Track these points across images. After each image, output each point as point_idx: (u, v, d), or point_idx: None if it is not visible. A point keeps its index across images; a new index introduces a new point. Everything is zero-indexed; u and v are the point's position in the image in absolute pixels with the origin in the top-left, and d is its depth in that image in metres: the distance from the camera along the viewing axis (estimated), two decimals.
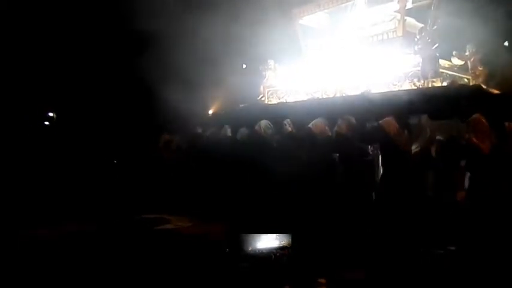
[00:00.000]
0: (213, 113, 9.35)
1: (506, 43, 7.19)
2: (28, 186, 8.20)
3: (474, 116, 4.43)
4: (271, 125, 6.99)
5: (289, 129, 6.46)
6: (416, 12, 7.59)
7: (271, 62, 8.90)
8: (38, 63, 10.45)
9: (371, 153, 5.74)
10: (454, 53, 6.99)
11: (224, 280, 4.20)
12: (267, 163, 6.70)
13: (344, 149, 5.73)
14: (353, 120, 5.62)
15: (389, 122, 5.15)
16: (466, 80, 6.99)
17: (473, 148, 4.28)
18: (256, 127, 7.01)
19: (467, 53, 6.97)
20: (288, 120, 6.62)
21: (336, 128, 5.71)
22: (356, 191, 5.65)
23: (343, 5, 8.30)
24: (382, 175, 5.29)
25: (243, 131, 7.53)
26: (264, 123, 7.03)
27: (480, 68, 6.83)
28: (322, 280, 4.10)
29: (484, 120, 4.34)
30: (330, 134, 5.88)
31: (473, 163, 4.35)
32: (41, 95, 10.79)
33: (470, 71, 6.93)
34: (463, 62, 7.06)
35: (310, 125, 6.01)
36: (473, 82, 6.84)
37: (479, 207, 4.23)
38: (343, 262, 4.54)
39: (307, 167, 6.06)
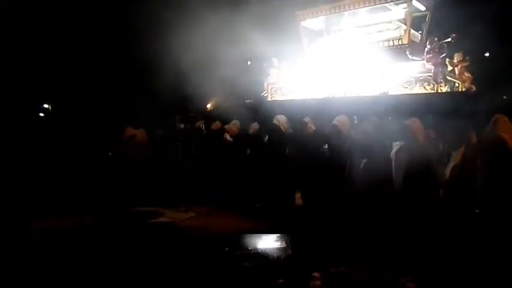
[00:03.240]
0: (216, 108, 9.60)
1: (487, 54, 8.28)
2: (22, 179, 7.97)
3: (498, 115, 5.04)
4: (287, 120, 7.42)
5: (312, 126, 6.92)
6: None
7: (275, 60, 9.37)
8: (31, 57, 10.09)
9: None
10: (446, 60, 7.92)
11: (219, 276, 4.16)
12: (284, 157, 7.20)
13: (368, 145, 6.32)
14: (377, 119, 6.25)
15: (415, 123, 5.84)
16: (457, 84, 7.96)
17: (502, 143, 4.83)
18: (275, 121, 7.35)
19: (455, 61, 7.94)
20: (308, 118, 7.09)
21: (363, 126, 6.28)
22: (375, 184, 6.25)
23: (344, 11, 8.98)
24: (405, 171, 5.91)
25: (255, 125, 7.88)
26: (282, 118, 7.39)
27: (466, 74, 7.84)
28: (316, 274, 4.12)
29: (507, 119, 4.99)
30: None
31: (500, 158, 4.90)
32: (36, 87, 10.41)
33: (457, 76, 7.88)
34: (452, 68, 8.01)
35: (334, 122, 6.54)
36: (462, 86, 7.81)
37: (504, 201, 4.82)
38: (342, 257, 4.56)
39: (328, 161, 6.62)
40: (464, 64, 7.82)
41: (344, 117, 6.56)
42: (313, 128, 6.88)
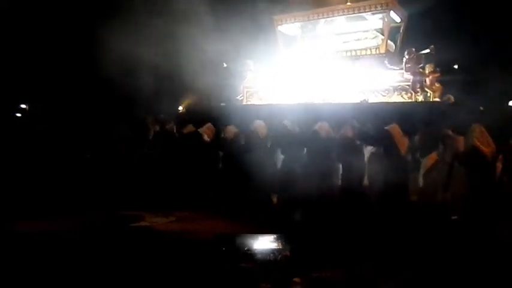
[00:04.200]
0: (190, 110, 9.37)
1: (456, 66, 8.56)
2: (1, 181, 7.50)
3: (475, 125, 5.18)
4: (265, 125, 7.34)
5: (290, 129, 6.84)
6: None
7: (250, 63, 9.26)
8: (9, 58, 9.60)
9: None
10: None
11: (201, 280, 4.07)
12: (261, 161, 7.10)
13: (346, 149, 6.34)
14: (356, 124, 6.28)
15: (395, 129, 5.92)
16: (429, 94, 8.19)
17: (476, 151, 4.99)
18: (252, 127, 7.25)
19: (426, 71, 8.17)
20: (286, 121, 7.03)
21: (341, 131, 6.29)
22: (352, 185, 6.27)
23: (320, 19, 9.05)
24: (384, 175, 5.95)
25: (232, 129, 7.73)
26: (259, 123, 7.31)
27: (437, 85, 8.08)
28: (297, 279, 4.06)
29: (483, 129, 5.18)
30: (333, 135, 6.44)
31: (475, 166, 5.07)
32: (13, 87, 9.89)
33: (428, 86, 8.11)
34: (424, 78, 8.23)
35: (316, 127, 6.52)
36: (433, 96, 8.05)
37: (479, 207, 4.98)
38: (323, 260, 4.51)
39: (308, 166, 6.59)
40: (435, 75, 8.07)
41: (324, 124, 6.59)
42: (293, 131, 6.84)
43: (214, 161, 7.72)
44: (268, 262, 4.56)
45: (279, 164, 7.05)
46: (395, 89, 7.47)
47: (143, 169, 8.43)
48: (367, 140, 6.16)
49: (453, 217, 5.64)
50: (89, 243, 5.25)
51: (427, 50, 7.47)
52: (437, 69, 8.06)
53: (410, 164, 6.04)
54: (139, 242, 5.46)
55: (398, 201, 5.78)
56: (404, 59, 7.49)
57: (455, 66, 8.83)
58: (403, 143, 5.95)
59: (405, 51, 7.89)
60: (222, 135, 7.72)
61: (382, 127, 5.97)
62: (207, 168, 7.58)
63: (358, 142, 6.26)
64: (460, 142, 5.58)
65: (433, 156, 6.14)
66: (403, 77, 7.58)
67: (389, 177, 5.95)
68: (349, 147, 6.29)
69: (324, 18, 8.98)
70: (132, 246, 5.24)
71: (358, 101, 7.03)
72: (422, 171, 6.14)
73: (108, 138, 8.61)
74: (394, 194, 5.89)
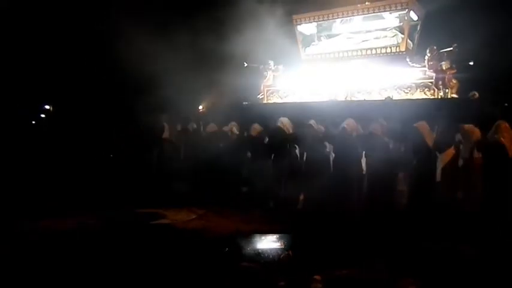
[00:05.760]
0: (214, 109, 9.56)
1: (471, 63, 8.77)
2: (24, 179, 7.70)
3: (500, 121, 5.38)
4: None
5: (317, 128, 7.05)
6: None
7: (271, 63, 9.47)
8: (32, 59, 9.79)
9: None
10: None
11: (221, 278, 4.07)
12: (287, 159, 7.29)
13: (372, 145, 6.54)
14: (384, 122, 6.50)
15: (423, 125, 6.15)
16: (446, 90, 8.41)
17: (501, 148, 5.16)
18: (279, 123, 7.44)
19: (444, 68, 8.37)
20: (313, 120, 7.22)
21: (370, 129, 6.50)
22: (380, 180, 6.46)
23: (340, 18, 9.27)
24: (414, 168, 6.17)
25: (257, 127, 7.92)
26: (285, 120, 7.49)
27: (454, 81, 8.31)
28: (317, 277, 4.01)
29: (508, 125, 5.33)
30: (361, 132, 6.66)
31: (498, 161, 5.22)
32: (37, 89, 10.09)
33: (446, 83, 8.33)
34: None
35: (343, 125, 6.72)
36: (451, 92, 8.27)
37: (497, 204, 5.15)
38: (342, 259, 4.47)
39: (335, 161, 6.80)
40: (452, 71, 8.29)
41: (352, 121, 6.79)
42: (319, 130, 7.04)
43: (241, 158, 7.93)
44: (285, 261, 4.55)
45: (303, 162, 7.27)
46: (418, 86, 7.72)
47: (165, 168, 8.64)
48: (396, 136, 6.40)
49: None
50: (111, 239, 5.32)
51: (450, 48, 7.69)
52: (454, 65, 8.30)
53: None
54: (159, 239, 5.49)
55: (425, 196, 5.99)
56: (426, 57, 7.73)
57: (471, 63, 9.06)
58: (431, 139, 6.19)
59: (424, 49, 8.14)
60: (248, 133, 7.97)
61: (411, 124, 6.20)
62: (233, 166, 7.79)
63: (386, 139, 6.51)
64: (477, 134, 5.79)
65: (450, 152, 6.41)
66: (425, 74, 7.83)
67: (419, 173, 6.20)
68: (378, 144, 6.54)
69: (343, 17, 9.20)
70: (152, 243, 5.26)
71: (383, 98, 7.28)
72: (440, 166, 6.40)
73: (128, 138, 8.81)
74: (422, 190, 6.14)
